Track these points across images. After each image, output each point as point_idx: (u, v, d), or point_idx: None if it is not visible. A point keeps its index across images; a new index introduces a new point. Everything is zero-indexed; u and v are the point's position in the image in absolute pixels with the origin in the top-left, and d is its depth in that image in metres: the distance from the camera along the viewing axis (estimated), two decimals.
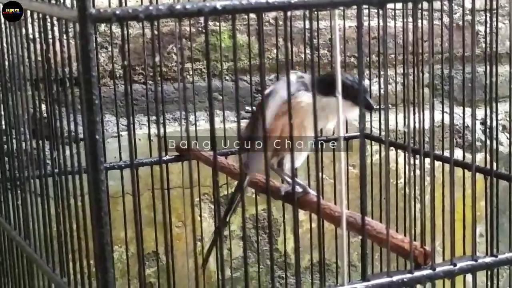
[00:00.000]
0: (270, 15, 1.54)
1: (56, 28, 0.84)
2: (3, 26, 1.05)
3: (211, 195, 1.57)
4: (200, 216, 1.55)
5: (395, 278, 0.81)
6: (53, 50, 0.85)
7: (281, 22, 1.41)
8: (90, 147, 0.67)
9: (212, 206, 1.57)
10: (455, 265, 0.84)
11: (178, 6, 0.68)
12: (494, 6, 1.19)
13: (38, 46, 0.91)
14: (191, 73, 1.53)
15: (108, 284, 0.69)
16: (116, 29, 1.45)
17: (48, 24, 0.85)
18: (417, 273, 0.83)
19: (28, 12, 0.91)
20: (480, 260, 0.86)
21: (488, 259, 0.87)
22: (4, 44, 1.05)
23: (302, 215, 1.50)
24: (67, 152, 0.88)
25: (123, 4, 1.36)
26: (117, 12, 0.66)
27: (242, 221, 0.74)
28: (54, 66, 0.85)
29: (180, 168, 1.39)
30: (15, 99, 1.02)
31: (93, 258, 0.83)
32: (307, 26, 1.47)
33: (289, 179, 1.08)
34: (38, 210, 1.00)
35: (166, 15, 0.68)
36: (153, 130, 1.44)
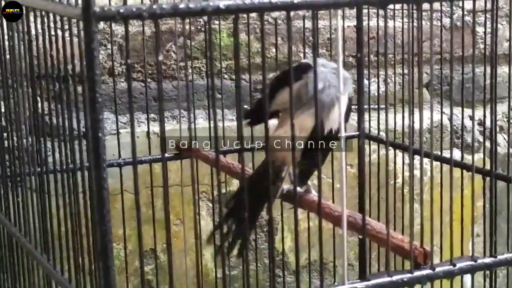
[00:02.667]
0: (271, 14, 1.54)
1: (57, 25, 0.84)
2: (4, 23, 1.05)
3: (209, 193, 1.57)
4: (198, 214, 1.55)
5: (394, 278, 0.82)
6: (56, 47, 0.85)
7: (280, 21, 1.41)
8: (93, 145, 0.67)
9: (210, 205, 1.57)
10: (454, 265, 0.85)
11: (182, 5, 0.68)
12: (495, 7, 1.19)
13: (40, 44, 0.91)
14: (190, 71, 1.53)
15: (110, 282, 0.69)
16: (115, 27, 1.45)
17: (51, 21, 0.85)
18: (417, 273, 0.83)
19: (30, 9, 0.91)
20: (479, 261, 0.87)
21: (488, 260, 0.87)
22: (6, 42, 1.05)
23: (300, 214, 1.49)
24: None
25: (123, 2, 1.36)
26: (121, 10, 0.66)
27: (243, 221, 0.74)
28: (56, 63, 0.86)
29: (179, 166, 1.39)
30: (15, 96, 1.02)
31: (93, 255, 0.84)
32: (307, 25, 1.47)
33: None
34: (38, 207, 1.00)
35: (170, 14, 0.68)
36: (151, 127, 1.44)
